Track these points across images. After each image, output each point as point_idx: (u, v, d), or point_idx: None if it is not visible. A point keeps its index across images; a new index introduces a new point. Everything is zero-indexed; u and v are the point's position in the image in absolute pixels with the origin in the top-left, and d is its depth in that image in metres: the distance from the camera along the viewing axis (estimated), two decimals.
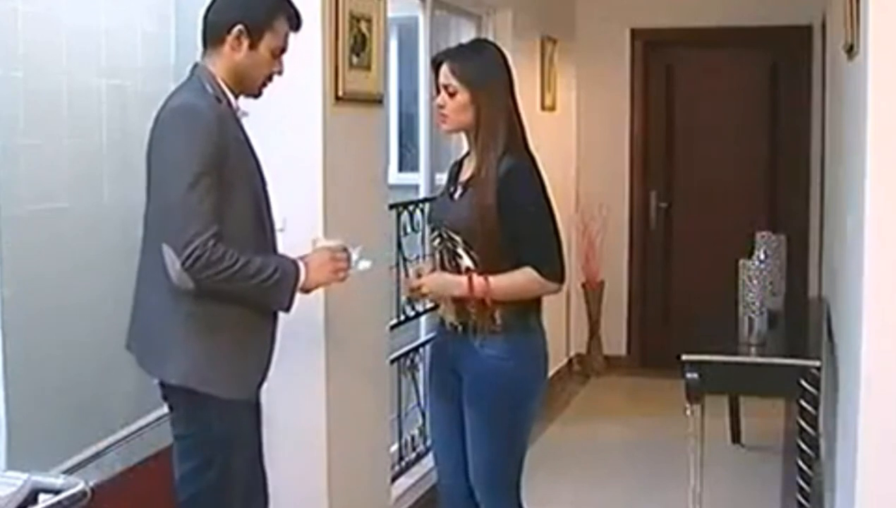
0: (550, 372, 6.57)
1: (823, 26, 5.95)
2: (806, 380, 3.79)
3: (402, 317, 4.55)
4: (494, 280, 3.04)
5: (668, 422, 5.81)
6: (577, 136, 7.31)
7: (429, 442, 4.81)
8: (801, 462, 3.87)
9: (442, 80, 3.10)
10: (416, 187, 5.02)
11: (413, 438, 4.72)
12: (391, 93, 4.73)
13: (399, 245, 4.50)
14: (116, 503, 2.98)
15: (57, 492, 3.02)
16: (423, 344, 4.84)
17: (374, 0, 3.82)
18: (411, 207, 4.64)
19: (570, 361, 7.24)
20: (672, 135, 7.30)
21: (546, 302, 6.46)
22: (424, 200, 4.83)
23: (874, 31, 2.70)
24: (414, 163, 5.13)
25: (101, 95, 4.83)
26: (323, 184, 3.49)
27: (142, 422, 3.60)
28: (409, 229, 4.59)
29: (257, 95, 2.93)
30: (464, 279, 3.06)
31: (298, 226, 3.36)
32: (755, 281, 4.12)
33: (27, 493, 2.99)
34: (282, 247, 3.15)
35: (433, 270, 3.22)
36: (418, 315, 4.73)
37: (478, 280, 3.04)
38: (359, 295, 3.74)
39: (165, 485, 3.30)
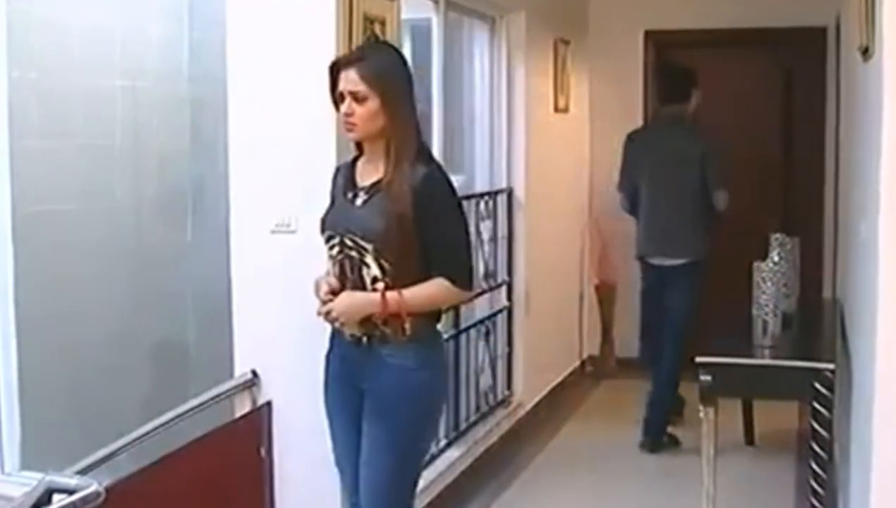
0: (564, 373, 6.68)
1: (838, 28, 5.94)
2: (820, 383, 3.77)
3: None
4: (409, 293, 2.94)
5: (680, 425, 5.82)
6: (590, 138, 7.30)
7: (441, 443, 4.83)
8: (814, 465, 3.86)
9: (349, 86, 2.96)
10: None
11: None
12: None
13: None
14: (129, 503, 2.99)
15: (71, 492, 3.03)
16: None
17: (387, 2, 3.82)
18: None
19: (582, 363, 7.23)
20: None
21: (559, 303, 6.51)
22: None
23: (889, 32, 2.69)
24: None
25: (116, 97, 4.86)
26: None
27: (154, 423, 3.60)
28: None
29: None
30: (376, 296, 2.94)
31: (309, 227, 3.34)
32: (769, 283, 4.12)
33: (42, 493, 3.00)
34: (293, 249, 3.18)
35: (341, 286, 3.03)
36: None
37: (391, 295, 2.93)
38: None
39: (177, 486, 3.32)
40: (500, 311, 5.68)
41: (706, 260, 5.61)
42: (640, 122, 7.19)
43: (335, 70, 3.02)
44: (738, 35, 6.94)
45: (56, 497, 2.86)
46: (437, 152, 4.92)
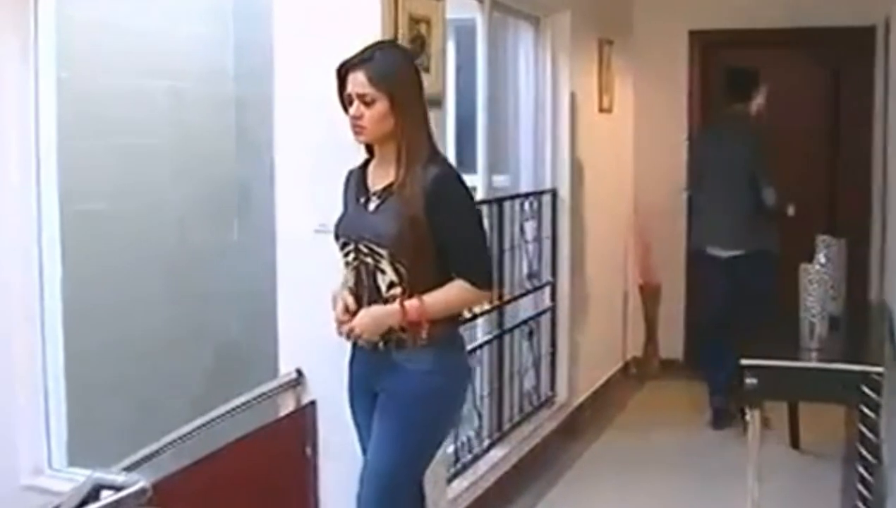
0: (608, 374, 6.65)
1: (887, 27, 5.87)
2: (867, 386, 3.74)
3: (460, 319, 4.52)
4: (429, 299, 2.89)
5: (725, 428, 5.78)
6: (634, 138, 7.27)
7: (485, 443, 4.84)
8: (862, 469, 3.82)
9: (357, 89, 2.91)
10: (473, 189, 5.00)
11: (469, 439, 4.72)
12: (449, 95, 4.73)
13: None
14: (175, 500, 3.00)
15: (118, 489, 3.06)
16: (480, 346, 4.84)
17: (433, 1, 3.81)
18: None
19: (626, 364, 7.21)
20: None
21: (604, 304, 6.49)
22: (483, 202, 4.82)
23: None
24: (471, 165, 5.12)
25: (161, 97, 4.90)
26: None
27: (199, 421, 3.62)
28: None
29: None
30: (395, 308, 2.90)
31: None
32: (816, 285, 4.08)
33: (89, 489, 3.03)
34: (337, 249, 3.17)
35: (354, 296, 3.00)
36: (476, 316, 4.72)
37: (411, 304, 2.89)
38: None
39: (222, 484, 3.34)
40: (544, 312, 5.66)
41: (774, 252, 5.73)
42: (684, 122, 7.18)
43: (342, 72, 2.97)
44: (785, 35, 6.88)
45: (103, 493, 2.89)
46: (481, 153, 4.95)
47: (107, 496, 2.69)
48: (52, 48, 4.24)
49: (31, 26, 4.17)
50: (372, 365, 3.04)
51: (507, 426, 5.09)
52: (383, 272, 2.92)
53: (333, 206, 3.19)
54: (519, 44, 5.64)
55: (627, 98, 7.09)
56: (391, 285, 2.92)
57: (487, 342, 4.93)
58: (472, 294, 2.98)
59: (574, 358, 5.90)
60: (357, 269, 2.98)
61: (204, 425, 3.60)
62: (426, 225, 2.86)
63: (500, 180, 5.35)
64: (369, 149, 3.05)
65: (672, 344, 7.26)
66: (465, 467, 4.59)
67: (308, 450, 3.72)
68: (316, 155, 3.66)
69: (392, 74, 2.92)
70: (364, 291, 2.97)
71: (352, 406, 3.19)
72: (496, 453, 4.89)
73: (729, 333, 5.55)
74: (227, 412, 3.63)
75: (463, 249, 2.95)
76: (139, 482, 2.98)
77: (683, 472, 5.39)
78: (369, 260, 2.94)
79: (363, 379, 3.10)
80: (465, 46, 5.16)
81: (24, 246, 4.21)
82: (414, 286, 2.90)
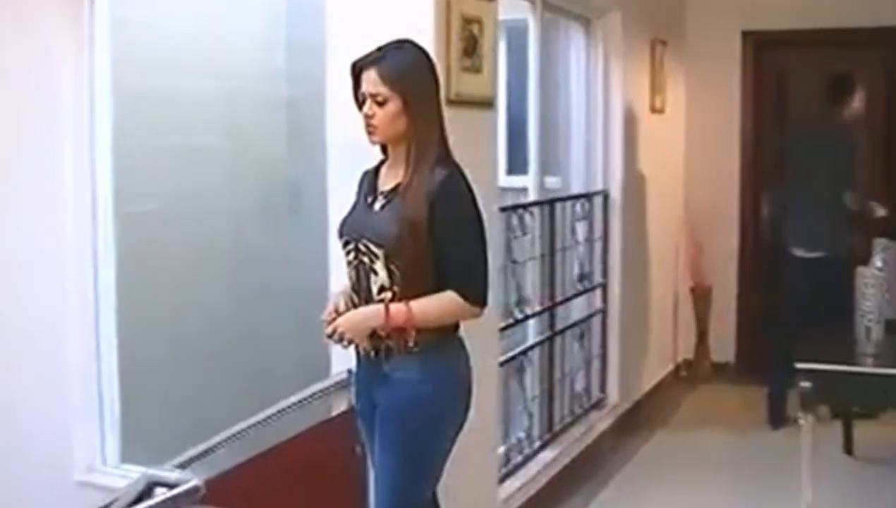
0: (659, 377, 6.61)
1: None
2: None
3: (512, 320, 4.54)
4: (416, 306, 2.76)
5: (778, 432, 5.72)
6: (685, 139, 7.22)
7: (536, 444, 4.83)
8: None
9: (369, 88, 2.82)
10: (525, 190, 5.01)
11: (520, 440, 4.72)
12: (500, 96, 4.72)
13: (509, 248, 4.50)
14: (226, 498, 3.02)
15: (171, 486, 3.08)
16: (531, 348, 4.84)
17: (485, 2, 3.81)
18: (521, 210, 4.62)
19: (676, 367, 7.15)
20: (785, 138, 7.15)
21: (654, 306, 6.45)
22: (534, 203, 4.83)
23: None
24: (523, 167, 5.12)
25: (214, 98, 4.93)
26: None
27: (252, 420, 3.64)
28: (518, 232, 4.57)
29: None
30: (379, 308, 2.79)
31: None
32: (872, 289, 4.03)
33: (144, 486, 3.05)
34: None
35: (350, 302, 2.92)
36: (527, 317, 4.72)
37: (396, 308, 2.77)
38: None
39: (273, 482, 3.35)
40: (595, 314, 5.65)
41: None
42: (736, 123, 7.14)
43: (356, 71, 2.88)
44: (840, 35, 6.78)
45: (157, 490, 2.91)
46: (532, 154, 4.95)
47: (160, 493, 2.72)
48: (106, 49, 4.27)
49: (86, 27, 4.21)
50: (369, 375, 2.97)
51: (557, 427, 5.09)
52: (376, 273, 2.83)
53: None
54: (570, 44, 5.63)
55: (679, 98, 7.05)
56: (381, 289, 2.82)
57: (538, 343, 4.93)
58: (462, 309, 2.81)
59: (625, 360, 5.87)
60: (357, 270, 2.90)
61: (256, 423, 3.62)
62: (427, 228, 2.76)
63: (551, 181, 5.34)
64: (384, 149, 2.97)
65: (723, 346, 7.19)
66: (517, 468, 4.58)
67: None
68: (367, 155, 3.65)
69: (405, 73, 2.83)
70: (361, 293, 2.90)
71: (359, 412, 3.14)
72: (547, 454, 4.88)
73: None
74: (280, 411, 3.64)
75: (459, 259, 2.80)
76: (192, 479, 3.01)
77: (735, 475, 5.34)
78: (365, 260, 2.85)
79: (363, 387, 3.04)
80: (517, 47, 5.14)
81: (79, 247, 4.25)
82: (406, 291, 2.78)
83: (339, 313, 2.91)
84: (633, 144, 5.93)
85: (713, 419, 6.25)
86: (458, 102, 3.60)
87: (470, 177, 3.70)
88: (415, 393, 2.85)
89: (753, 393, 6.12)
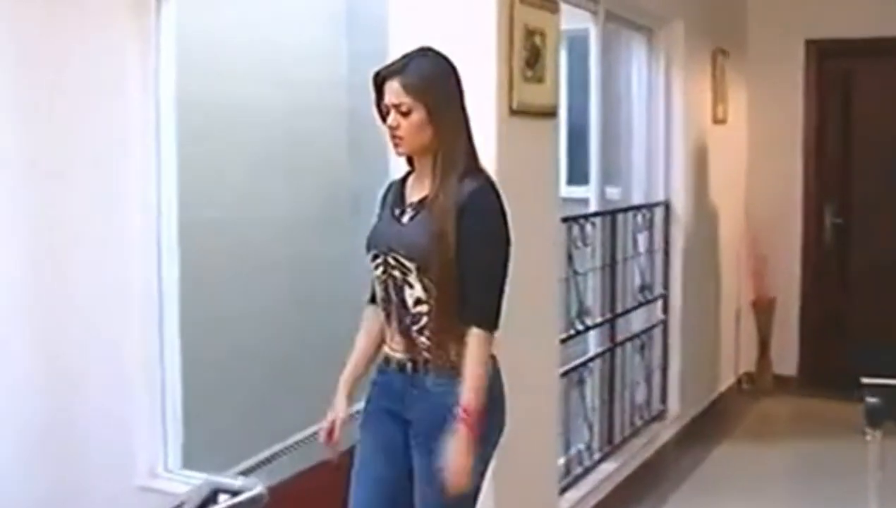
0: (720, 389, 6.54)
1: None
2: None
3: (573, 331, 4.52)
4: (468, 389, 2.64)
5: (842, 448, 5.62)
6: (748, 149, 7.15)
7: (596, 456, 4.80)
8: None
9: (392, 99, 2.73)
10: (585, 201, 4.99)
11: (580, 452, 4.69)
12: (561, 106, 4.71)
13: (570, 258, 4.48)
14: (289, 505, 3.03)
15: (235, 493, 3.10)
16: (591, 359, 4.82)
17: (548, 13, 3.80)
18: (582, 221, 4.60)
19: (738, 379, 7.08)
20: (848, 148, 7.07)
21: (715, 317, 6.38)
22: (596, 214, 4.81)
23: None
24: (583, 177, 5.10)
25: (275, 107, 4.96)
26: None
27: (314, 427, 3.65)
28: (579, 243, 4.56)
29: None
30: (460, 432, 2.62)
31: None
32: None
33: (208, 493, 3.07)
34: None
35: (384, 312, 2.83)
36: (588, 329, 4.70)
37: (466, 407, 2.63)
38: (530, 307, 3.75)
39: (337, 489, 3.36)
40: (656, 325, 5.61)
41: None
42: (799, 133, 7.07)
43: (379, 82, 2.79)
44: None
45: (221, 497, 2.93)
46: (593, 164, 4.93)
47: (224, 500, 2.73)
48: (172, 57, 4.31)
49: (152, 36, 4.25)
50: (400, 389, 2.84)
51: (618, 439, 5.06)
52: (411, 286, 2.74)
53: None
54: (632, 54, 5.61)
55: (741, 108, 6.99)
56: (418, 301, 2.74)
57: (599, 355, 4.90)
58: (488, 342, 2.70)
59: (686, 371, 5.82)
60: (385, 283, 2.80)
61: (318, 431, 3.63)
62: (455, 241, 2.67)
63: (612, 192, 5.31)
64: (410, 161, 2.88)
65: (786, 359, 7.10)
66: (577, 479, 4.56)
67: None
68: None
69: (429, 82, 2.74)
70: (392, 306, 2.80)
71: (364, 422, 2.98)
72: (607, 466, 4.86)
73: None
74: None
75: (481, 280, 2.70)
76: (257, 486, 3.01)
77: (799, 489, 5.28)
78: (397, 273, 2.76)
79: (388, 402, 2.88)
80: (578, 57, 5.13)
81: (144, 252, 4.28)
82: (440, 303, 2.70)
83: (331, 436, 2.97)
84: (695, 154, 5.88)
85: (776, 432, 6.18)
86: (521, 112, 3.60)
87: (531, 187, 3.75)
88: (455, 412, 2.70)
89: (817, 406, 6.03)
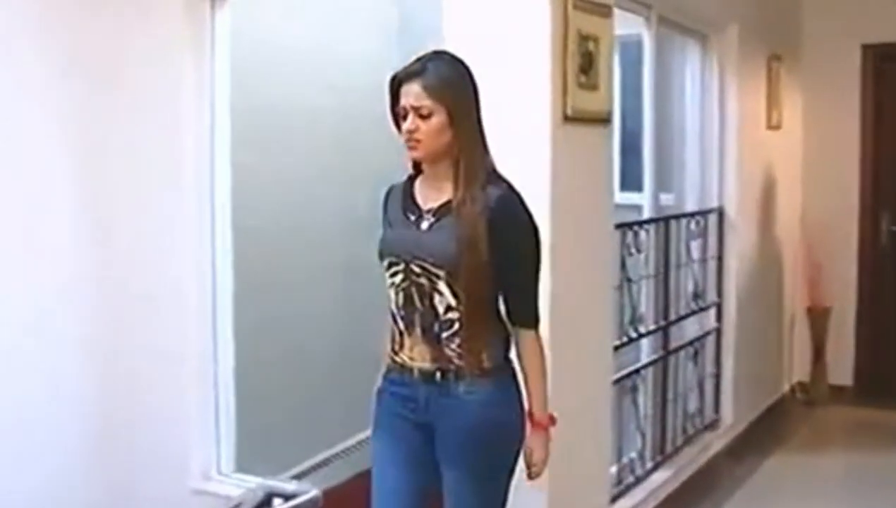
0: (773, 398, 6.48)
1: None
2: None
3: (626, 338, 4.50)
4: (535, 386, 2.79)
5: None
6: (803, 156, 7.07)
7: (648, 465, 4.76)
8: None
9: (412, 101, 2.70)
10: (639, 207, 4.96)
11: (632, 461, 4.66)
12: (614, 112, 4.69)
13: (623, 265, 4.46)
14: None
15: (289, 497, 3.11)
16: (644, 366, 4.79)
17: (602, 18, 3.78)
18: (635, 227, 4.59)
19: (792, 389, 7.00)
20: None
21: (769, 326, 6.32)
22: (649, 220, 4.78)
23: None
24: (635, 183, 5.07)
25: (326, 113, 4.98)
26: (551, 204, 3.45)
27: (367, 432, 3.66)
28: (633, 250, 4.54)
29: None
30: (543, 435, 2.82)
31: None
32: None
33: (262, 497, 3.09)
34: None
35: (402, 319, 2.81)
36: (641, 336, 4.67)
37: (538, 413, 2.80)
38: (584, 316, 3.74)
39: None
40: (709, 333, 5.56)
41: None
42: (856, 139, 6.97)
43: (395, 84, 2.77)
44: None
45: (275, 501, 2.94)
46: (647, 171, 4.91)
47: (279, 503, 2.74)
48: (226, 63, 4.34)
49: (207, 42, 4.27)
50: (423, 397, 2.80)
51: (670, 448, 5.03)
52: (441, 293, 2.71)
53: None
54: (685, 60, 5.57)
55: (796, 114, 6.91)
56: (449, 308, 2.71)
57: (652, 362, 4.88)
58: (540, 341, 2.81)
59: (739, 380, 5.76)
60: (407, 291, 2.76)
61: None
62: (485, 247, 2.66)
63: (665, 198, 5.27)
64: (415, 165, 2.86)
65: (841, 369, 7.00)
66: (628, 488, 4.53)
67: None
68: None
69: (449, 85, 2.72)
70: (416, 314, 2.76)
71: (377, 433, 2.97)
72: (660, 475, 4.83)
73: None
74: None
75: (523, 288, 2.76)
76: (311, 490, 3.03)
77: (854, 500, 5.21)
78: (423, 281, 2.73)
79: (407, 410, 2.85)
80: (630, 62, 5.10)
81: (198, 258, 4.31)
82: (470, 309, 2.69)
83: None
84: (749, 161, 5.83)
85: (831, 442, 6.10)
86: (575, 119, 3.59)
87: (585, 194, 3.73)
88: (494, 415, 2.76)
89: (872, 416, 5.95)
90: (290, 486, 3.17)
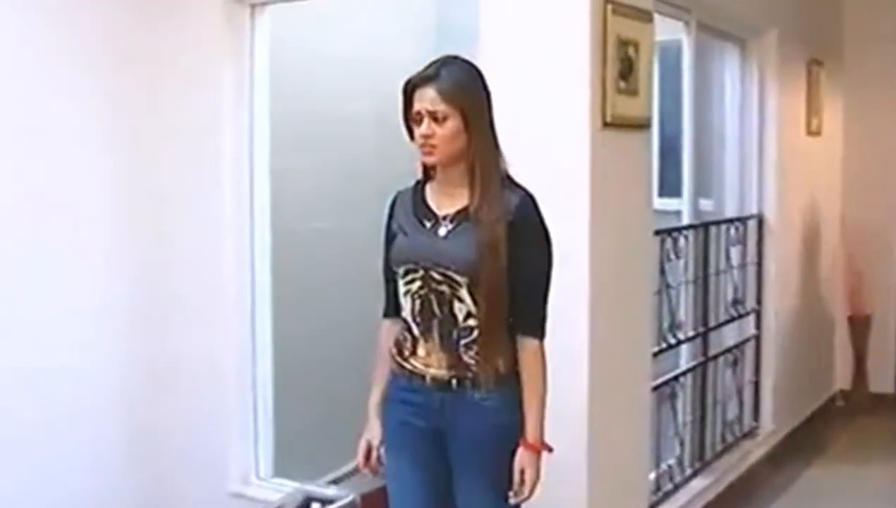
0: (814, 406, 6.42)
1: None
2: None
3: (665, 345, 4.47)
4: (537, 419, 2.69)
5: None
6: (843, 162, 7.01)
7: (687, 472, 4.73)
8: None
9: (427, 106, 2.67)
10: (678, 213, 4.93)
11: (671, 467, 4.63)
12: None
13: (662, 271, 4.44)
14: None
15: (327, 502, 3.12)
16: (683, 373, 4.76)
17: (642, 24, 3.76)
18: (675, 233, 4.56)
19: (832, 397, 6.93)
20: None
21: (810, 333, 6.27)
22: (688, 226, 4.75)
23: None
24: (674, 189, 5.04)
25: (364, 119, 5.00)
26: (590, 209, 3.44)
27: None
28: (671, 256, 4.51)
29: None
30: (533, 454, 2.69)
31: (565, 251, 3.29)
32: None
33: (300, 501, 3.10)
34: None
35: (419, 326, 2.76)
36: (680, 342, 4.64)
37: (532, 428, 2.68)
38: (623, 322, 3.72)
39: None
40: (749, 340, 5.52)
41: None
42: None
43: (409, 89, 2.74)
44: None
45: (314, 505, 2.96)
46: (686, 176, 4.87)
47: None
48: (265, 70, 4.37)
49: (246, 49, 4.33)
50: (437, 405, 2.76)
51: (709, 455, 4.99)
52: (461, 300, 2.68)
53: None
54: (724, 65, 5.54)
55: (837, 120, 6.85)
56: (469, 315, 2.69)
57: (691, 369, 4.84)
58: (543, 353, 2.73)
59: (779, 388, 5.71)
60: (425, 298, 2.73)
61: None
62: (505, 253, 2.64)
63: (704, 204, 5.24)
64: (426, 169, 2.83)
65: (883, 377, 6.93)
66: (667, 495, 4.50)
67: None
68: (517, 178, 3.64)
69: (463, 89, 2.70)
70: (433, 321, 2.73)
71: (391, 444, 2.90)
72: (698, 482, 4.79)
73: None
74: None
75: (533, 296, 2.71)
76: (349, 495, 3.04)
77: None
78: (444, 288, 2.69)
79: (419, 419, 2.79)
80: (669, 67, 5.07)
81: (238, 263, 4.34)
82: (489, 316, 2.67)
83: (368, 459, 2.92)
84: (789, 167, 5.78)
85: (872, 451, 6.03)
86: (614, 125, 3.56)
87: (624, 200, 3.71)
88: (509, 420, 2.72)
89: None
90: (329, 491, 3.18)
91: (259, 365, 4.45)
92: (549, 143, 3.52)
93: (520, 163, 3.59)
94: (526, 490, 2.69)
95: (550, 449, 2.74)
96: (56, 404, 3.95)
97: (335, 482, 3.60)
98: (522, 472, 2.68)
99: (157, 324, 4.30)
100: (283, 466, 4.53)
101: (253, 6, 4.32)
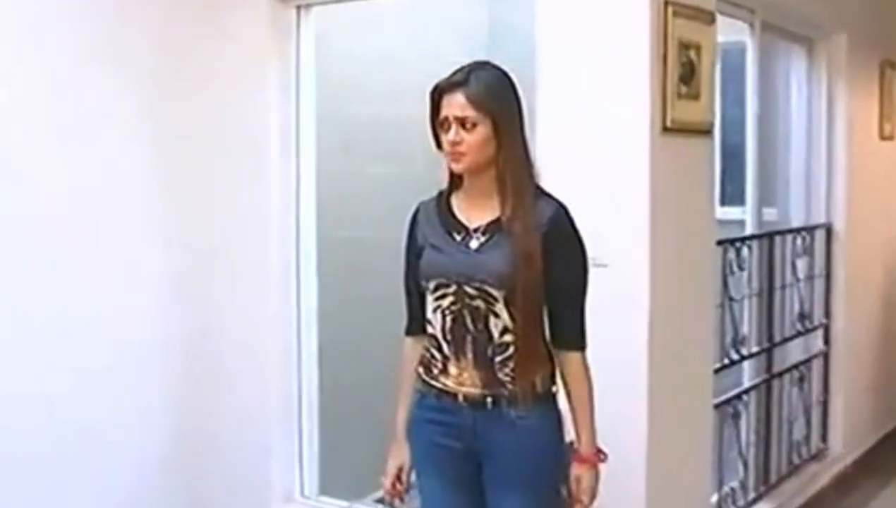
0: (888, 428, 6.17)
1: None
2: None
3: (727, 361, 4.32)
4: (590, 432, 2.64)
5: None
6: None
7: (750, 495, 4.56)
8: None
9: (455, 112, 2.58)
10: (740, 222, 4.76)
11: (734, 490, 4.47)
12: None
13: (725, 283, 4.29)
14: None
15: None
16: (747, 391, 4.60)
17: (703, 26, 3.63)
18: (738, 244, 4.42)
19: None
20: None
21: (883, 349, 6.02)
22: (752, 237, 4.59)
23: None
24: (736, 197, 4.86)
25: (413, 125, 4.87)
26: (650, 218, 3.32)
27: None
28: (734, 267, 4.36)
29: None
30: (591, 471, 2.65)
31: (624, 261, 3.25)
32: None
33: None
34: (607, 284, 2.99)
35: (449, 344, 2.65)
36: (743, 358, 4.47)
37: (586, 444, 2.64)
38: (684, 336, 3.60)
39: None
40: (816, 356, 5.32)
41: None
42: None
43: (437, 95, 2.65)
44: None
45: None
46: (750, 184, 4.74)
47: None
48: (311, 71, 4.36)
49: (292, 50, 4.32)
50: (470, 424, 2.66)
51: (774, 478, 4.85)
52: (497, 316, 2.60)
53: (597, 238, 2.99)
54: (790, 67, 5.39)
55: None
56: (505, 330, 2.60)
57: (755, 386, 4.69)
58: (587, 364, 2.67)
59: (849, 407, 5.52)
60: (457, 314, 2.63)
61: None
62: (541, 264, 2.56)
63: (768, 213, 5.07)
64: (452, 177, 2.72)
65: None
66: None
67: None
68: (580, 184, 3.49)
69: (493, 95, 2.61)
70: (467, 337, 2.63)
71: (420, 463, 2.80)
72: (763, 507, 4.66)
73: None
74: None
75: (572, 307, 2.64)
76: None
77: None
78: (479, 303, 2.60)
79: (450, 438, 2.69)
80: (732, 70, 4.89)
81: (283, 274, 4.32)
82: (524, 331, 2.58)
83: (397, 488, 2.83)
84: (859, 173, 5.57)
85: None
86: (675, 130, 3.45)
87: (685, 208, 3.57)
88: (546, 439, 2.66)
89: None
90: None
91: (304, 384, 4.42)
92: (608, 149, 3.44)
93: (577, 169, 3.49)
94: (586, 500, 2.66)
95: (605, 456, 2.69)
96: (98, 420, 3.86)
97: (381, 501, 3.50)
98: (579, 481, 2.65)
99: (201, 343, 4.24)
100: (329, 484, 4.44)
101: (299, 7, 4.31)
